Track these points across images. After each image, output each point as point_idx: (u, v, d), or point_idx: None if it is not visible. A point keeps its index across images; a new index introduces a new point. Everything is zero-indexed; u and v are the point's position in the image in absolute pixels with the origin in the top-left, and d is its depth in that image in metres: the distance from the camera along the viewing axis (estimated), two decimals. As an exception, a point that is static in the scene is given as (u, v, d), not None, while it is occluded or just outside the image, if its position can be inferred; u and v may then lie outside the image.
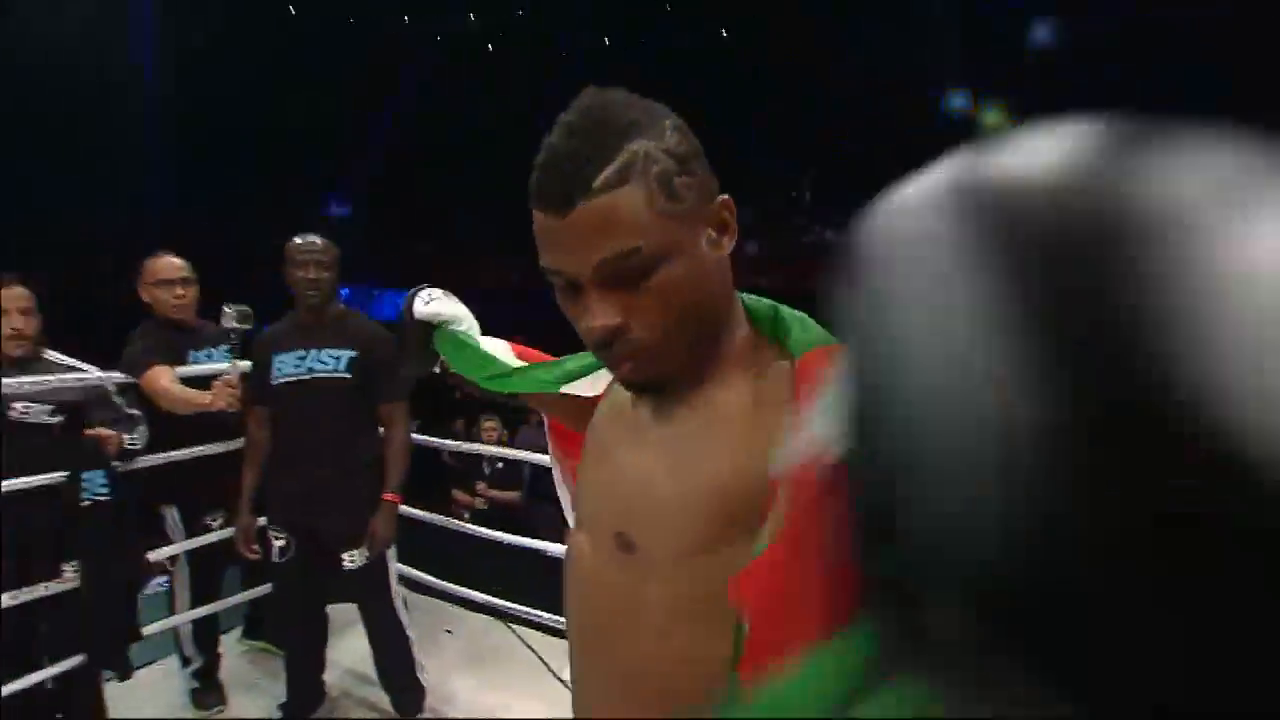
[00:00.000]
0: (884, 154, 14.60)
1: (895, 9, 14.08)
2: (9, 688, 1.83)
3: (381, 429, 2.00)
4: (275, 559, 1.89)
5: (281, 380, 1.90)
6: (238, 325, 1.99)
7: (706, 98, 15.21)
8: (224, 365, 2.10)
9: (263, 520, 2.01)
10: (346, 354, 1.92)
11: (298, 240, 1.90)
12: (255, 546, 1.99)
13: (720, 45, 15.33)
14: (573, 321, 0.57)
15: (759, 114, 15.11)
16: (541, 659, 2.46)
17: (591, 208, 0.51)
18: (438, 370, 1.34)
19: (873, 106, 14.69)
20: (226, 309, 2.02)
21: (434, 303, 1.08)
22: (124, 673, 1.94)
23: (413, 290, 1.10)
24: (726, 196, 0.57)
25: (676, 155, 0.53)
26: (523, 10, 14.53)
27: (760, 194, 14.67)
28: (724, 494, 0.54)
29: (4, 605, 1.80)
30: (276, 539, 1.89)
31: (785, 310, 0.62)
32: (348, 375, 1.89)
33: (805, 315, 0.61)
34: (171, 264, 2.17)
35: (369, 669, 2.13)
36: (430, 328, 1.03)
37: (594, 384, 0.81)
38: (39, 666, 1.92)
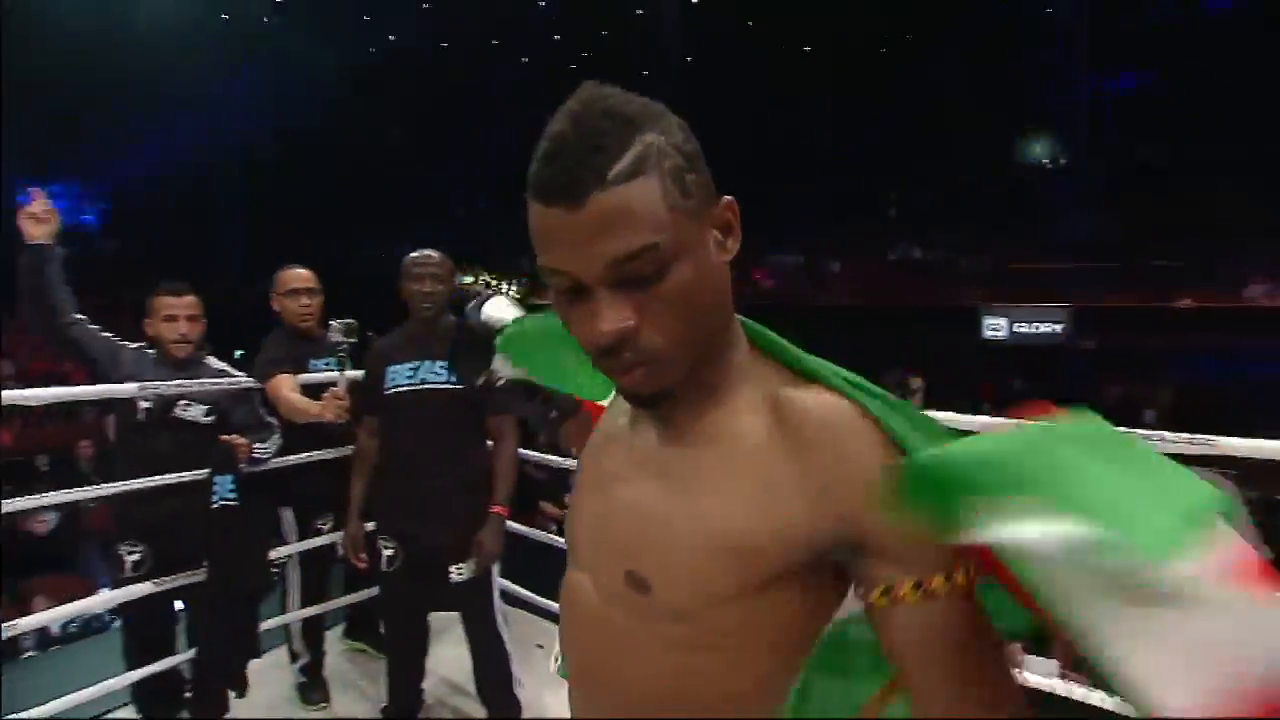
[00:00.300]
0: (972, 173, 14.03)
1: (983, 34, 13.56)
2: (145, 671, 1.96)
3: (490, 441, 2.02)
4: (383, 567, 1.93)
5: (394, 390, 1.95)
6: (344, 339, 2.05)
7: (791, 115, 15.13)
8: (335, 374, 2.19)
9: (370, 526, 2.07)
10: None
11: (414, 254, 1.95)
12: (363, 555, 2.03)
13: (804, 62, 15.13)
14: (571, 327, 0.52)
15: (844, 132, 14.81)
16: None
17: (605, 201, 0.46)
18: (479, 383, 1.35)
19: (960, 126, 14.14)
20: (333, 323, 2.09)
21: (504, 310, 1.06)
22: (241, 691, 2.00)
23: (480, 295, 1.09)
24: (730, 198, 0.54)
25: (684, 151, 0.51)
26: (608, 31, 14.88)
27: (846, 212, 14.33)
28: (745, 544, 0.52)
29: (147, 592, 1.93)
30: (385, 547, 1.93)
31: (770, 333, 0.60)
32: (459, 387, 1.92)
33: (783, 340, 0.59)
34: (299, 275, 2.31)
35: (465, 679, 2.15)
36: (493, 334, 1.02)
37: None
38: (174, 651, 2.05)
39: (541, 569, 2.49)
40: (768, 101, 15.31)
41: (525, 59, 15.50)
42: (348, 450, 2.21)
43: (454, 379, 1.89)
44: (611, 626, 0.59)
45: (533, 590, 2.42)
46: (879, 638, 0.51)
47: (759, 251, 14.75)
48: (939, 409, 1.60)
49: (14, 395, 1.85)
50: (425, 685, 2.10)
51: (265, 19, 13.69)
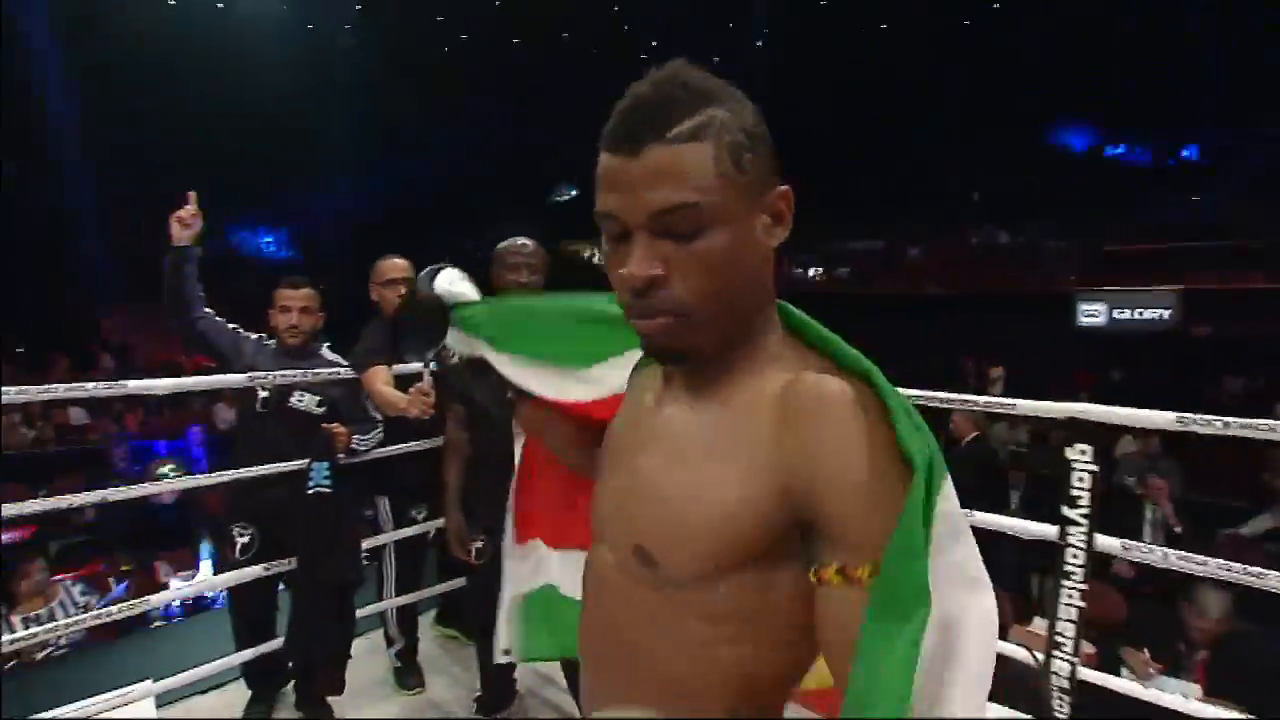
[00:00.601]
0: (1050, 157, 13.11)
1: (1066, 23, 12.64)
2: (250, 653, 2.06)
3: None
4: (474, 559, 1.94)
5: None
6: None
7: (878, 100, 14.54)
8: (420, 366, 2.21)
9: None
10: None
11: (507, 243, 1.93)
12: (468, 548, 1.99)
13: (882, 40, 14.50)
14: (610, 272, 0.56)
15: (929, 116, 14.12)
16: None
17: (660, 153, 0.51)
18: (431, 366, 1.31)
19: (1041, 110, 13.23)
20: None
21: (458, 283, 1.02)
22: (336, 687, 2.05)
23: (431, 268, 1.03)
24: (787, 188, 0.56)
25: (750, 132, 0.54)
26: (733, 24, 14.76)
27: (929, 197, 13.68)
28: (735, 515, 0.54)
29: (254, 575, 2.03)
30: (475, 540, 1.94)
31: (809, 320, 0.60)
32: None
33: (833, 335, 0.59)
34: (396, 265, 2.33)
35: (554, 671, 2.17)
36: (446, 308, 0.98)
37: (599, 387, 0.83)
38: (276, 633, 2.15)
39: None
40: (842, 82, 14.79)
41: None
42: (439, 441, 2.25)
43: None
44: (627, 599, 0.61)
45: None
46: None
47: (834, 238, 14.32)
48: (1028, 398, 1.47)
49: (140, 385, 1.96)
50: (516, 675, 2.13)
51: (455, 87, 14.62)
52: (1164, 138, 13.11)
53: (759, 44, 15.26)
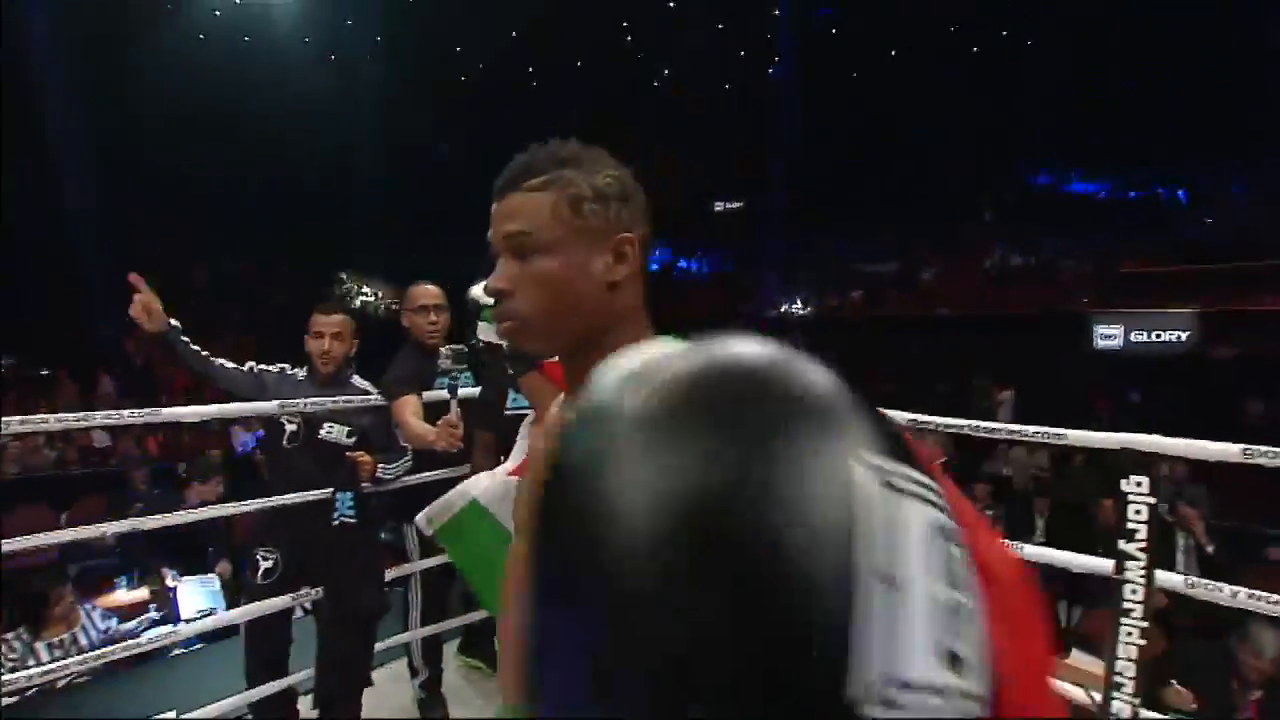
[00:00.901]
0: (1069, 174, 13.10)
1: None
2: (264, 690, 2.02)
3: None
4: None
5: (514, 411, 1.94)
6: (453, 365, 2.04)
7: (889, 117, 14.64)
8: (468, 391, 2.20)
9: None
10: None
11: None
12: None
13: (889, 62, 14.64)
14: None
15: (939, 133, 14.19)
16: None
17: (516, 198, 0.68)
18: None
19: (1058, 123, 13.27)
20: (443, 350, 2.09)
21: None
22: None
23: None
24: (631, 235, 0.69)
25: (597, 189, 0.67)
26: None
27: (939, 217, 13.69)
28: None
29: (281, 606, 2.02)
30: None
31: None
32: None
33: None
34: (428, 291, 2.32)
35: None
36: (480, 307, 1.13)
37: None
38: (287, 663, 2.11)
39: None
40: (851, 105, 14.92)
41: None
42: (467, 469, 2.23)
43: None
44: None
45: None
46: None
47: (846, 259, 14.32)
48: (1041, 423, 1.45)
49: (171, 413, 1.98)
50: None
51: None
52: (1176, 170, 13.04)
53: (771, 71, 15.44)
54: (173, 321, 1.94)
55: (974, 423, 1.47)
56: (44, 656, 2.64)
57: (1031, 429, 1.45)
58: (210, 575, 4.01)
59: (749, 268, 15.49)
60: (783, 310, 14.18)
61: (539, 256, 0.66)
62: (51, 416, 1.75)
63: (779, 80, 15.07)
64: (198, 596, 3.73)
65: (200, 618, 3.10)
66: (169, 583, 4.03)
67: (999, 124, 13.80)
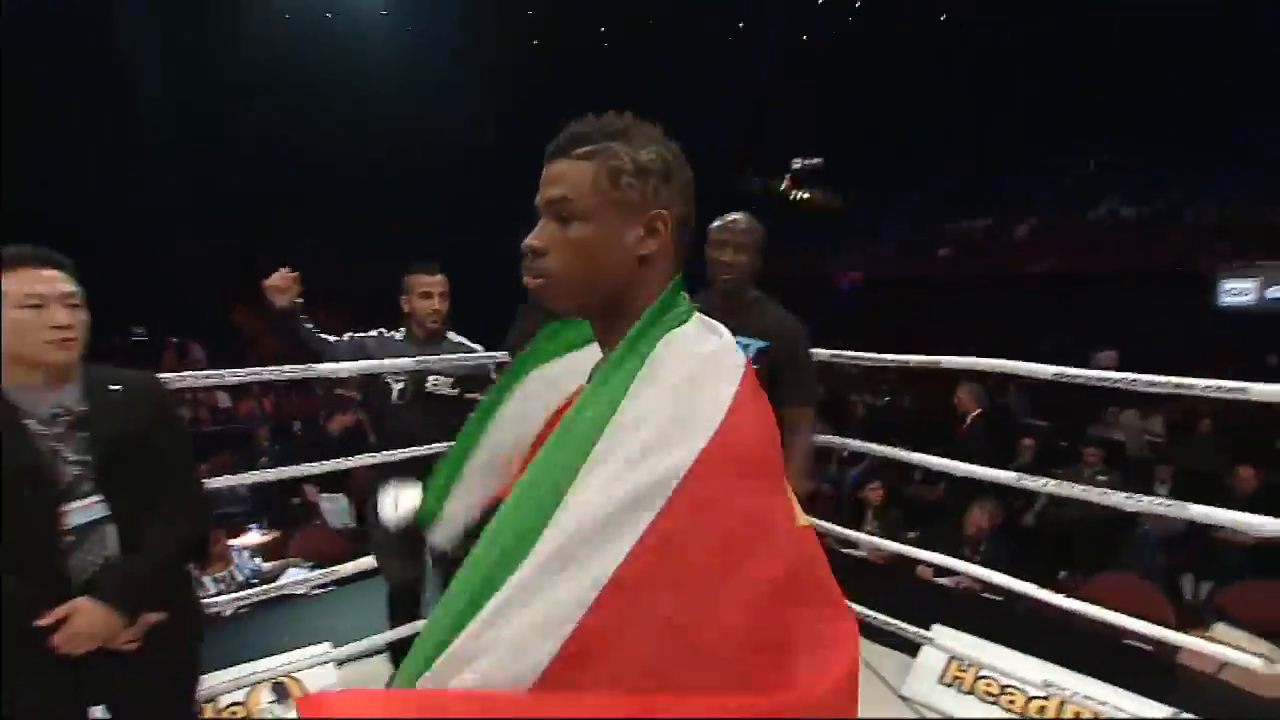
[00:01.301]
0: (1167, 121, 11.78)
1: None
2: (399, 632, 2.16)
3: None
4: None
5: None
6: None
7: (987, 73, 13.63)
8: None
9: None
10: (757, 344, 1.81)
11: (718, 221, 1.84)
12: None
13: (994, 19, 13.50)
14: None
15: (1039, 87, 13.08)
16: (877, 672, 2.32)
17: (563, 164, 0.71)
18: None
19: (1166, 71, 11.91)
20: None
21: (405, 504, 1.21)
22: None
23: (380, 493, 1.01)
24: (665, 212, 0.71)
25: (639, 163, 0.70)
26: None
27: (1042, 170, 12.72)
28: None
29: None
30: None
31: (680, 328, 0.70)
32: (755, 367, 1.80)
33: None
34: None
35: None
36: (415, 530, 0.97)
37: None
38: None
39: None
40: (937, 43, 13.93)
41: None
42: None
43: (751, 356, 1.79)
44: None
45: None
46: None
47: (938, 217, 13.60)
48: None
49: (329, 368, 2.08)
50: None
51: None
52: None
53: (851, 19, 14.60)
54: (298, 299, 2.02)
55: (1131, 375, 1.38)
56: (210, 589, 2.94)
57: (1226, 383, 1.34)
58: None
59: (829, 228, 14.98)
60: (862, 271, 13.68)
61: (576, 223, 0.70)
62: (226, 372, 1.92)
63: (858, 31, 14.26)
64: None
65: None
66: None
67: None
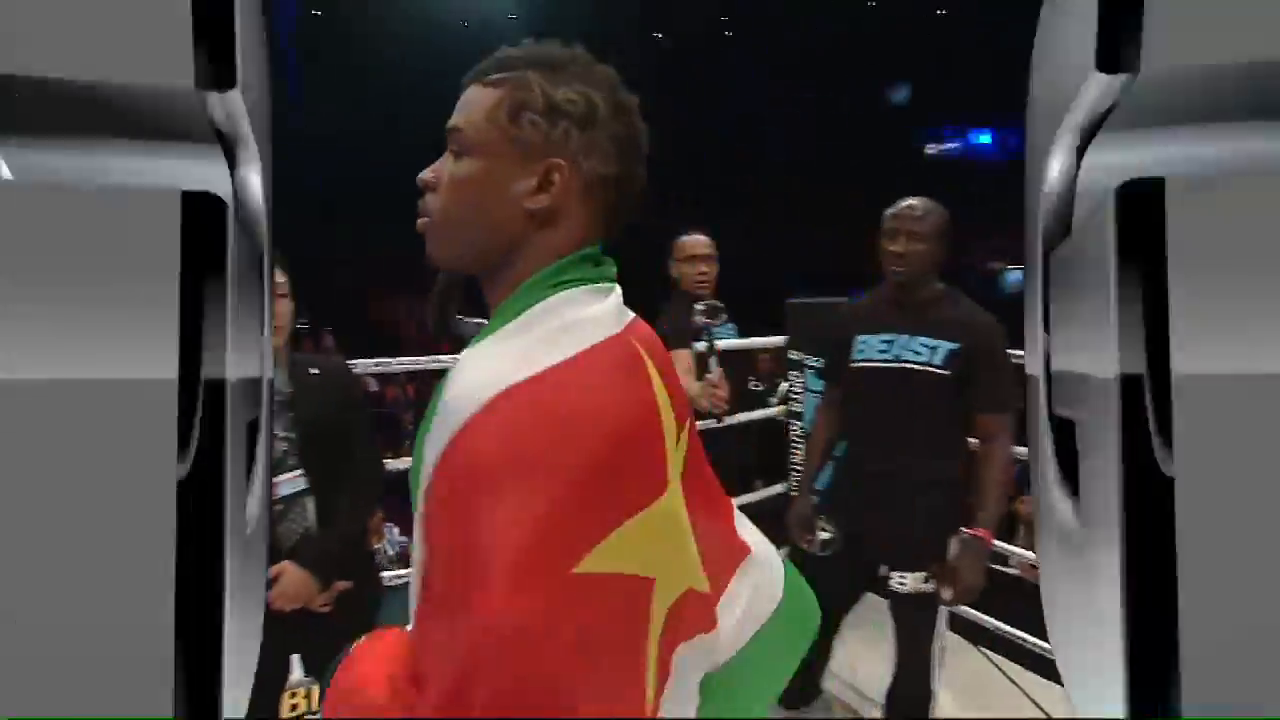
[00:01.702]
0: None
1: None
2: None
3: (974, 442, 1.72)
4: (817, 551, 1.77)
5: (861, 363, 1.75)
6: (708, 321, 1.94)
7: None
8: (735, 341, 2.13)
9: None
10: (945, 346, 1.66)
11: (891, 209, 1.72)
12: (809, 536, 1.80)
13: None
14: None
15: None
16: (1022, 689, 2.16)
17: (473, 89, 0.62)
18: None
19: None
20: (696, 305, 1.99)
21: None
22: None
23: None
24: (561, 162, 0.59)
25: (551, 100, 0.59)
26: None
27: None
28: None
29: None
30: (823, 530, 1.77)
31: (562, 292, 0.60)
32: (944, 371, 1.62)
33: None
34: (698, 241, 2.25)
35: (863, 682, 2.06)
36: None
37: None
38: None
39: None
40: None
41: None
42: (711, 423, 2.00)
43: (935, 361, 1.65)
44: None
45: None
46: None
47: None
48: None
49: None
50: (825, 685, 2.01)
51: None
52: None
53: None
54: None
55: None
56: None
57: None
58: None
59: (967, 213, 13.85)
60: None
61: (466, 158, 0.60)
62: (394, 360, 2.04)
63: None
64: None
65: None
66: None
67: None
